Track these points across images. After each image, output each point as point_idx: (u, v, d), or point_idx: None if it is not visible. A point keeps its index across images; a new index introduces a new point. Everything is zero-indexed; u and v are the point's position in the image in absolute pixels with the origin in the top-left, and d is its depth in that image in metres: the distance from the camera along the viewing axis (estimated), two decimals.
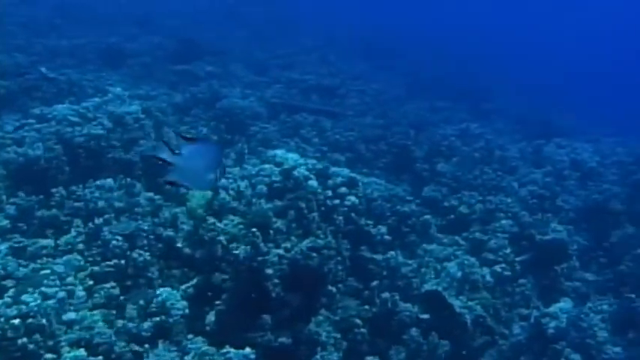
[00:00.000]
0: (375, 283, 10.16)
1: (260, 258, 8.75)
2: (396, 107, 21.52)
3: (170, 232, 9.80)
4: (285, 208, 10.14)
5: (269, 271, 8.76)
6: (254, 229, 8.87)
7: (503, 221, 12.12)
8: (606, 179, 16.05)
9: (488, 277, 10.85)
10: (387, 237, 11.50)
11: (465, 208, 12.56)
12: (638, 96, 33.08)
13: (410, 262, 11.19)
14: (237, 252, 8.67)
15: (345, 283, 10.40)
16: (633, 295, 10.58)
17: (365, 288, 10.28)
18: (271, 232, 9.36)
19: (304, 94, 20.48)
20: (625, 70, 39.43)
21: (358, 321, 9.52)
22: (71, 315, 7.34)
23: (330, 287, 9.50)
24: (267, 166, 11.14)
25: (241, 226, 9.41)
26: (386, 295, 9.83)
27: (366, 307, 9.83)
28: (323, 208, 10.95)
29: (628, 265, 11.90)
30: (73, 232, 8.99)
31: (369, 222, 11.64)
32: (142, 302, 8.15)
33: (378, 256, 11.00)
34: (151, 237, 9.37)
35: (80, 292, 7.85)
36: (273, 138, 15.86)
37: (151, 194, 10.54)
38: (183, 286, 9.16)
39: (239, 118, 15.78)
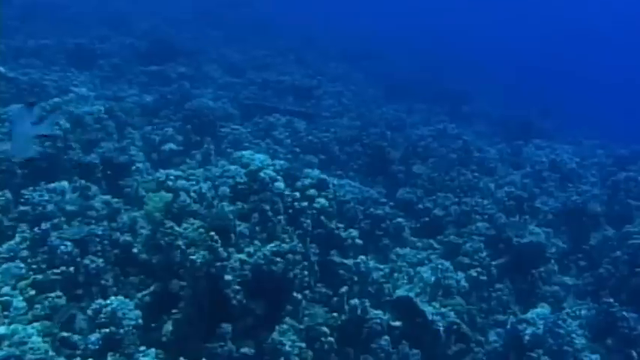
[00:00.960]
0: (344, 289, 9.65)
1: (219, 263, 8.21)
2: (373, 109, 21.14)
3: (128, 237, 9.24)
4: (248, 210, 9.62)
5: (228, 277, 8.24)
6: (212, 233, 8.33)
7: (480, 224, 11.67)
8: (586, 181, 15.74)
9: (463, 282, 10.40)
10: (358, 241, 11.03)
11: (439, 210, 12.11)
12: (619, 98, 32.99)
13: (382, 266, 10.73)
14: (194, 257, 8.12)
15: (313, 290, 9.91)
16: (611, 300, 10.16)
17: (334, 294, 9.77)
18: (232, 236, 8.82)
19: (280, 95, 20.02)
20: (606, 71, 39.39)
21: (325, 329, 9.01)
22: (0, 329, 6.72)
23: (295, 294, 8.97)
24: (232, 167, 10.63)
25: (201, 230, 8.87)
26: (355, 301, 9.31)
27: (335, 314, 9.32)
28: (290, 211, 10.49)
29: (607, 268, 11.51)
30: (18, 238, 8.40)
31: (340, 225, 11.17)
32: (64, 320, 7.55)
33: (349, 261, 10.52)
34: (106, 242, 8.80)
35: (19, 304, 7.27)
36: (244, 139, 15.37)
37: (107, 197, 9.96)
38: (139, 294, 8.61)
39: (208, 119, 15.23)
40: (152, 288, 8.75)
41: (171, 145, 12.64)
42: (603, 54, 44.59)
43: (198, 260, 8.11)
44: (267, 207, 9.59)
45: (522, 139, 18.62)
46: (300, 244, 9.65)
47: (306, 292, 9.46)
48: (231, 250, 8.78)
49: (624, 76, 38.37)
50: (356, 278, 10.33)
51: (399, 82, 26.78)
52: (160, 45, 22.08)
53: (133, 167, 11.58)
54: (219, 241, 8.31)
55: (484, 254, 10.93)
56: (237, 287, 8.54)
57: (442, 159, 14.63)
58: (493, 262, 11.13)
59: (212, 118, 15.36)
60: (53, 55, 19.10)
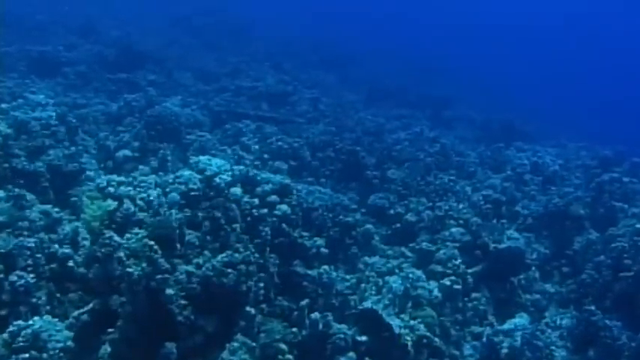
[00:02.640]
0: (304, 302, 8.88)
1: (159, 276, 7.43)
2: (351, 115, 20.47)
3: (67, 250, 8.45)
4: (199, 218, 8.85)
5: (170, 291, 7.44)
6: (151, 243, 7.55)
7: (454, 229, 10.92)
8: (570, 183, 15.08)
9: (436, 292, 9.65)
10: (324, 250, 10.30)
11: (412, 216, 11.38)
12: (603, 100, 32.51)
13: (348, 277, 9.97)
14: (131, 270, 7.33)
15: (273, 303, 9.17)
16: (593, 307, 9.41)
17: (296, 308, 9.01)
18: (178, 245, 8.05)
19: (253, 101, 19.30)
20: (591, 74, 38.98)
21: (283, 346, 8.24)
22: None
23: (248, 308, 8.19)
24: (186, 172, 9.88)
25: (146, 241, 8.09)
26: (316, 315, 8.54)
27: (294, 329, 8.54)
28: (249, 219, 9.75)
29: (590, 274, 10.77)
30: None
31: (305, 234, 10.44)
32: None
33: (313, 272, 9.77)
34: (39, 256, 7.99)
35: None
36: (210, 146, 14.63)
37: (47, 207, 9.15)
38: (75, 313, 7.81)
39: (172, 125, 14.46)
40: (91, 305, 7.96)
41: (126, 152, 11.86)
42: (583, 57, 44.15)
43: (136, 273, 7.32)
44: (219, 214, 8.82)
45: (505, 142, 17.90)
46: (257, 254, 8.92)
47: (263, 305, 8.70)
48: (176, 261, 8.02)
49: (606, 79, 37.94)
50: (320, 290, 9.62)
51: (379, 89, 26.18)
52: (130, 53, 21.33)
53: (83, 176, 10.80)
54: (159, 251, 7.52)
55: (458, 262, 10.18)
56: (184, 302, 7.77)
57: (416, 163, 13.88)
58: (469, 270, 10.40)
59: (176, 124, 14.60)
60: (14, 62, 18.32)
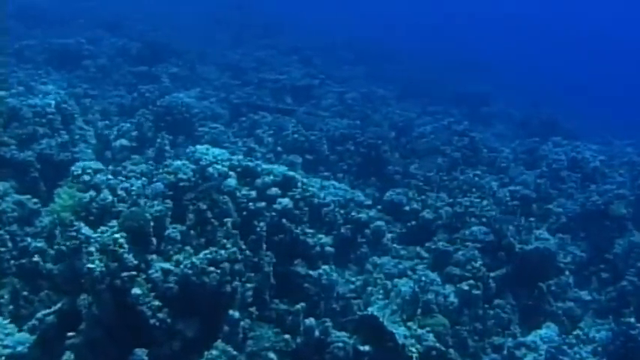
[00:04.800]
0: (298, 305, 7.95)
1: (125, 274, 6.60)
2: (380, 110, 19.45)
3: (39, 244, 7.73)
4: (183, 210, 8.02)
5: (137, 290, 6.60)
6: (116, 236, 6.73)
7: (475, 227, 9.79)
8: (612, 181, 13.70)
9: (452, 298, 8.60)
10: (329, 249, 9.33)
11: (429, 212, 10.32)
12: None
13: (353, 279, 9.00)
14: (92, 266, 6.51)
15: (268, 307, 8.27)
16: (632, 320, 8.17)
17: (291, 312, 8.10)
18: (153, 240, 7.21)
19: (276, 94, 18.54)
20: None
21: (273, 355, 7.35)
22: None
23: (231, 312, 7.29)
24: (178, 162, 9.07)
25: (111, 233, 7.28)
26: (311, 321, 7.60)
27: (287, 336, 7.62)
28: (245, 213, 8.88)
29: (631, 281, 9.53)
30: None
31: (309, 230, 9.49)
32: None
33: (315, 273, 8.83)
34: (3, 250, 7.28)
35: None
36: (223, 139, 13.88)
37: (25, 197, 8.46)
38: (39, 314, 7.06)
39: (183, 116, 13.76)
40: (58, 305, 7.20)
41: (123, 141, 11.15)
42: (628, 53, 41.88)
43: (98, 269, 6.50)
44: (205, 206, 7.97)
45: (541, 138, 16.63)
46: (249, 252, 8.05)
47: (252, 309, 7.79)
48: (152, 257, 7.19)
49: None
50: (322, 293, 8.68)
51: (414, 85, 25.03)
52: (154, 46, 20.78)
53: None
54: (126, 245, 6.69)
55: (479, 264, 9.08)
56: (157, 303, 6.93)
57: (431, 156, 12.80)
58: (491, 274, 9.28)
59: (187, 115, 13.89)
60: (34, 55, 17.96)
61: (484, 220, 10.03)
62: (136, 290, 6.58)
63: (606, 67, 38.38)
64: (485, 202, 10.39)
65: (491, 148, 15.60)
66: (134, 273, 6.64)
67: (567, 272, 10.08)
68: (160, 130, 13.36)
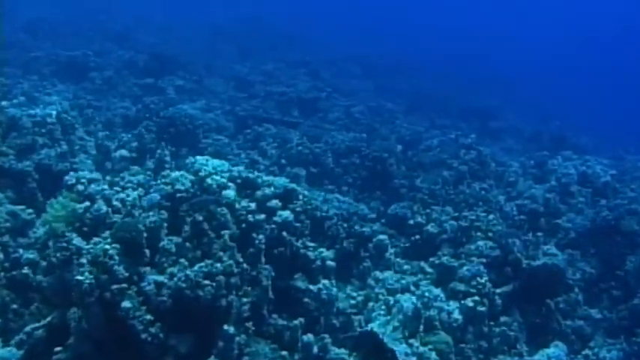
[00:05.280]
0: (296, 321, 7.71)
1: (115, 286, 6.39)
2: (388, 123, 19.25)
3: (31, 255, 7.55)
4: (180, 222, 7.82)
5: (127, 303, 6.38)
6: (106, 247, 6.53)
7: (481, 242, 9.51)
8: (624, 196, 13.35)
9: (456, 314, 8.32)
10: (330, 263, 9.09)
11: (433, 226, 10.06)
12: None
13: (355, 294, 8.74)
14: (81, 278, 6.31)
15: (265, 322, 8.03)
16: None
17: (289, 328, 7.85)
18: (146, 252, 7.01)
19: (282, 107, 18.38)
20: None
21: None
22: None
23: (226, 327, 7.05)
24: (176, 173, 8.89)
25: (115, 246, 7.08)
26: (309, 337, 7.36)
27: (284, 353, 7.38)
28: (244, 225, 8.67)
29: None
30: None
31: (311, 244, 9.26)
32: None
33: (315, 287, 8.59)
34: None
35: None
36: (227, 151, 13.73)
37: (19, 208, 8.29)
38: (28, 328, 6.86)
39: (186, 128, 13.61)
40: (48, 319, 7.00)
41: (123, 152, 11.00)
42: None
43: (87, 282, 6.30)
44: (201, 218, 7.76)
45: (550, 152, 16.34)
46: (247, 265, 7.84)
47: (249, 323, 7.54)
48: (145, 270, 6.99)
49: None
50: (322, 308, 8.44)
51: (423, 99, 24.86)
52: (162, 59, 20.71)
53: None
54: (117, 257, 6.49)
55: (484, 279, 8.79)
56: (149, 317, 6.71)
57: (436, 169, 12.57)
58: (497, 290, 8.99)
59: (191, 127, 13.74)
60: (40, 67, 17.94)
61: (490, 234, 9.75)
62: (126, 303, 6.36)
63: (621, 80, 38.08)
64: (491, 217, 10.11)
65: (500, 162, 15.35)
66: (124, 285, 6.42)
67: (577, 289, 9.77)
68: (164, 141, 13.26)
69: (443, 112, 23.36)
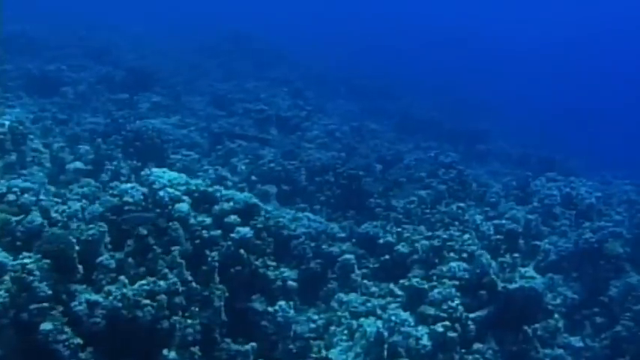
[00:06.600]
0: (248, 346, 7.06)
1: (34, 306, 5.73)
2: (369, 144, 18.74)
3: None
4: (121, 235, 7.19)
5: (47, 325, 5.71)
6: (25, 262, 5.87)
7: (454, 263, 8.88)
8: (609, 219, 12.82)
9: (425, 340, 7.68)
10: (291, 283, 8.48)
11: (404, 246, 9.45)
12: None
13: (316, 317, 8.10)
14: None
15: (217, 346, 7.37)
16: None
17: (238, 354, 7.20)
18: (79, 267, 6.37)
19: (260, 125, 17.83)
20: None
21: None
22: None
23: (166, 352, 6.40)
24: (127, 185, 8.29)
25: (46, 261, 6.43)
26: None
27: None
28: (198, 241, 8.06)
29: (627, 326, 8.59)
30: None
31: (272, 263, 8.64)
32: None
33: (274, 309, 7.95)
34: None
35: None
36: (196, 167, 13.13)
37: None
38: None
39: (154, 142, 13.03)
40: None
41: (78, 164, 10.38)
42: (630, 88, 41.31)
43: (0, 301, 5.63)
44: (145, 232, 7.14)
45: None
46: (195, 284, 7.22)
47: (194, 348, 6.87)
48: (77, 287, 6.33)
49: None
50: (280, 333, 7.79)
51: (409, 120, 24.40)
52: (139, 74, 20.22)
53: None
54: (38, 273, 5.84)
55: (455, 303, 8.16)
56: (78, 341, 6.03)
57: (407, 186, 12.02)
58: (471, 315, 8.36)
59: (158, 141, 13.16)
60: (8, 80, 17.33)
61: (464, 255, 9.13)
62: (46, 325, 5.68)
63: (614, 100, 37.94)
64: (466, 236, 9.50)
65: (482, 182, 14.80)
66: (45, 305, 5.75)
67: (557, 315, 9.14)
68: (130, 155, 12.67)
69: (430, 135, 22.89)
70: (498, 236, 9.93)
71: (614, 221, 12.54)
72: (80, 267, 6.37)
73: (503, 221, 10.74)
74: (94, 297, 6.33)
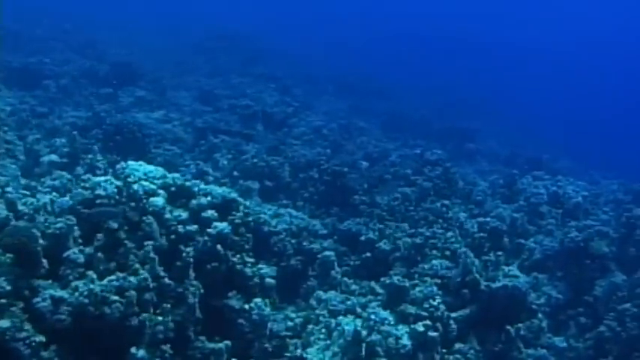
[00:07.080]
0: (221, 344, 6.84)
1: None
2: (356, 141, 18.55)
3: None
4: (94, 229, 6.94)
5: (5, 323, 5.46)
6: None
7: (436, 261, 8.69)
8: (595, 218, 12.68)
9: (405, 340, 7.48)
10: (269, 280, 8.26)
11: (386, 243, 9.25)
12: None
13: (293, 315, 7.88)
14: None
15: (191, 344, 7.14)
16: None
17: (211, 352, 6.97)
18: (43, 261, 6.12)
19: (246, 121, 17.58)
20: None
21: None
22: None
23: (134, 350, 6.16)
24: (99, 178, 8.04)
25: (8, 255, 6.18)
26: None
27: None
28: (173, 236, 7.81)
29: (610, 326, 8.42)
30: None
31: (249, 259, 8.41)
32: None
33: (250, 307, 7.73)
34: None
35: None
36: (177, 162, 12.88)
37: None
38: None
39: (135, 136, 12.78)
40: None
41: (53, 157, 10.12)
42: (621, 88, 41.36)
43: None
44: (116, 225, 6.89)
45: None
46: (168, 280, 6.99)
47: (166, 346, 6.63)
48: (39, 283, 6.08)
49: None
50: (255, 331, 7.57)
51: (398, 119, 24.24)
52: (123, 69, 19.93)
53: None
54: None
55: (437, 302, 7.97)
56: (40, 339, 5.78)
57: (396, 183, 11.83)
58: (452, 314, 8.17)
59: (139, 135, 12.91)
60: None
61: (447, 253, 8.94)
62: (3, 323, 5.43)
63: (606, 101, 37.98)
64: (449, 234, 9.31)
65: (468, 180, 14.64)
66: (4, 301, 5.50)
67: (540, 315, 8.97)
68: (110, 150, 12.42)
69: (419, 133, 22.71)
70: (482, 234, 9.75)
71: (600, 220, 12.41)
72: (45, 261, 6.12)
73: (488, 219, 10.57)
74: (60, 293, 6.09)
